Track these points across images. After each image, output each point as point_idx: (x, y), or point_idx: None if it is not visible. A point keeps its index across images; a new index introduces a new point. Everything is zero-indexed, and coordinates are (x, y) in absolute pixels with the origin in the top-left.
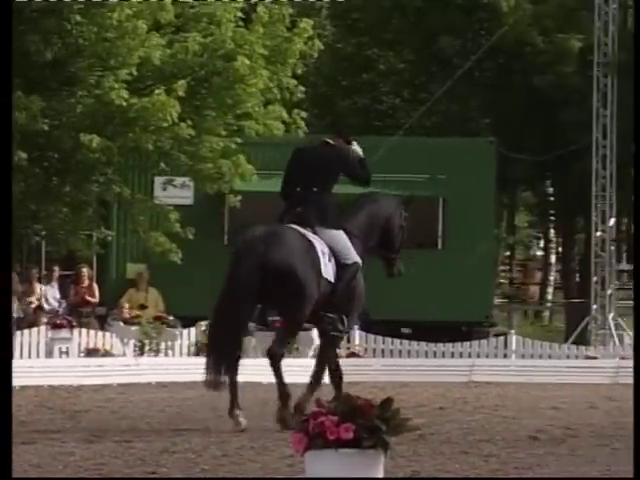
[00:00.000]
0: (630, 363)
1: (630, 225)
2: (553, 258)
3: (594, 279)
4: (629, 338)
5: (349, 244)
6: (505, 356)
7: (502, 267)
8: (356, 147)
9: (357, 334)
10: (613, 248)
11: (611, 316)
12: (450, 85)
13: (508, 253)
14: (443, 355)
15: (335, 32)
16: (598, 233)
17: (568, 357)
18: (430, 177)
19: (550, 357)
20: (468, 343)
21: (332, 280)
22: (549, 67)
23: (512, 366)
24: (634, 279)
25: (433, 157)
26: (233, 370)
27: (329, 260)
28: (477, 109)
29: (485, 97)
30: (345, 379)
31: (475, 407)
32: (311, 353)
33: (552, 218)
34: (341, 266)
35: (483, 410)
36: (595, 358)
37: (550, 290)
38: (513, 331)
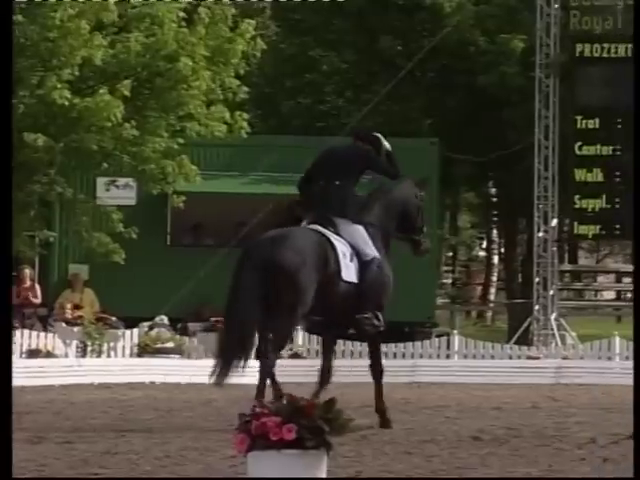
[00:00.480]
0: (571, 363)
1: (572, 225)
2: (496, 259)
3: (536, 280)
4: (571, 338)
5: (367, 239)
6: (448, 357)
7: (445, 268)
8: (385, 142)
9: (300, 335)
10: (555, 249)
11: (553, 316)
12: (393, 85)
13: (451, 254)
14: (386, 356)
15: (278, 32)
16: (540, 234)
17: (510, 357)
18: (372, 177)
19: (492, 357)
20: (411, 344)
21: (355, 280)
22: (492, 68)
23: (454, 367)
24: (634, 280)
25: None
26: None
27: (351, 260)
28: (420, 110)
29: (428, 98)
30: (288, 380)
31: (418, 407)
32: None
33: (495, 219)
34: (362, 264)
35: (426, 411)
36: (537, 358)
37: (493, 291)
38: (456, 331)
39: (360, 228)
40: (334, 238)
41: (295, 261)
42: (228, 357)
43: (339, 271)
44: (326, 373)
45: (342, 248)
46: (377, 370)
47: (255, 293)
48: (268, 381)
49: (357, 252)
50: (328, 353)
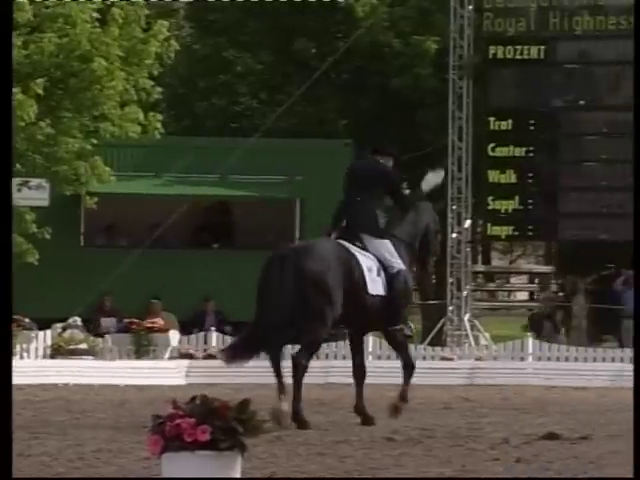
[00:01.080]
0: (485, 364)
1: (486, 226)
2: None
3: (450, 280)
4: (484, 339)
5: (393, 252)
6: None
7: None
8: (430, 177)
9: (214, 335)
10: (468, 250)
11: (467, 317)
12: (307, 87)
13: None
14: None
15: (192, 33)
16: (454, 235)
17: (424, 358)
18: (287, 179)
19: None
20: (325, 345)
21: (383, 293)
22: (405, 69)
23: (368, 367)
24: (634, 281)
25: (290, 159)
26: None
27: (378, 275)
28: (334, 111)
29: (342, 99)
30: (202, 381)
31: (332, 408)
32: (167, 355)
33: None
34: (389, 276)
35: (340, 411)
36: (451, 359)
37: None
38: (370, 333)
39: (386, 242)
40: (359, 253)
41: (320, 267)
42: (249, 346)
43: (365, 285)
44: (359, 370)
45: (368, 263)
46: (408, 372)
47: (283, 298)
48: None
49: (384, 265)
50: (358, 351)
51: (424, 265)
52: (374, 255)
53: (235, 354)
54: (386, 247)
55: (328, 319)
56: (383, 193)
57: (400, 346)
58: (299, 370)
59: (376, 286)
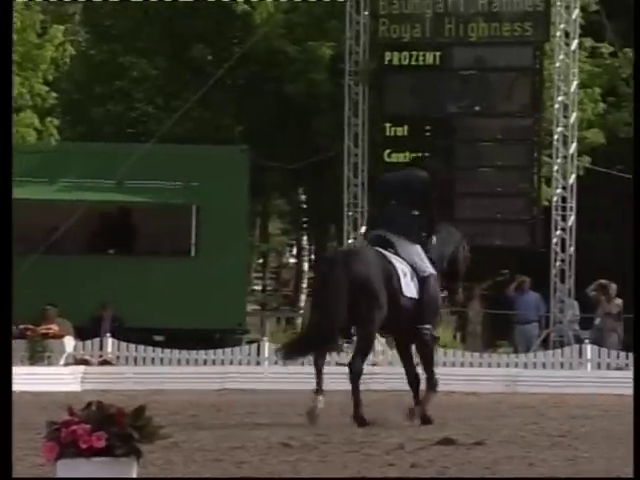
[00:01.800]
0: (381, 370)
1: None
2: (306, 265)
3: None
4: (380, 345)
5: (424, 257)
6: (258, 363)
7: (255, 274)
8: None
9: (110, 341)
10: None
11: None
12: (203, 93)
13: (261, 260)
14: (196, 362)
15: (88, 39)
16: (350, 241)
17: None
18: (183, 185)
19: (302, 364)
20: (221, 350)
21: (415, 296)
22: (301, 75)
23: (265, 373)
24: (634, 281)
25: (186, 165)
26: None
27: (411, 279)
28: (231, 117)
29: (239, 105)
30: (97, 387)
31: (228, 414)
32: (62, 361)
33: (305, 225)
34: (421, 280)
35: (236, 417)
36: (347, 365)
37: (303, 297)
38: (266, 338)
39: (418, 247)
40: (394, 259)
41: (368, 272)
42: (304, 347)
43: (400, 287)
44: (414, 379)
45: (402, 267)
46: (432, 380)
47: (336, 303)
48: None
49: (415, 269)
50: (407, 359)
51: (453, 291)
52: (405, 260)
53: (290, 353)
54: (417, 252)
55: (376, 323)
56: (417, 202)
57: (426, 356)
58: (356, 375)
59: (410, 289)
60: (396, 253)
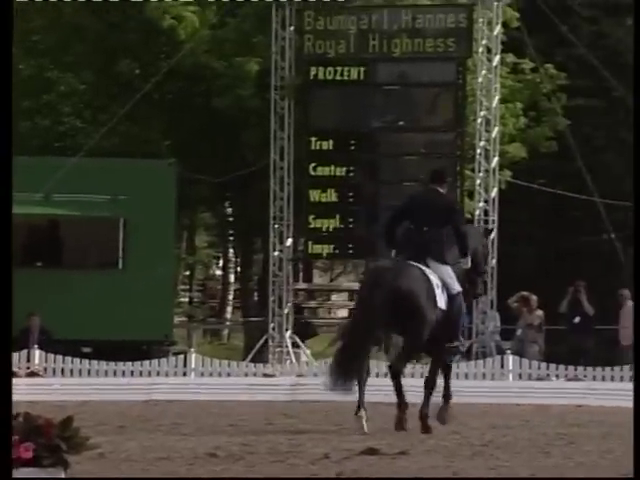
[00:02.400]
0: (306, 381)
1: (307, 245)
2: (232, 277)
3: (271, 298)
4: (305, 356)
5: (453, 275)
6: (185, 374)
7: (182, 286)
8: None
9: (37, 353)
10: (290, 268)
11: (288, 334)
12: (131, 107)
13: (188, 273)
14: (123, 374)
15: (15, 53)
16: (276, 253)
17: (246, 375)
18: (111, 198)
19: (229, 375)
20: (148, 362)
21: (445, 308)
22: (228, 90)
23: (192, 384)
24: (634, 282)
25: (114, 178)
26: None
27: (442, 292)
28: (158, 131)
29: (166, 119)
30: (25, 398)
31: (155, 425)
32: None
33: (231, 238)
34: (450, 296)
35: (162, 428)
36: (272, 376)
37: (229, 309)
38: (193, 349)
39: (448, 267)
40: (427, 271)
41: (416, 287)
42: (346, 370)
43: (435, 299)
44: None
45: (435, 280)
46: (446, 387)
47: (380, 316)
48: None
49: (445, 286)
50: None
51: (473, 285)
52: (438, 277)
53: (337, 380)
54: (448, 272)
55: (423, 337)
56: (446, 224)
57: (447, 371)
58: (400, 382)
59: (442, 301)
60: (427, 267)
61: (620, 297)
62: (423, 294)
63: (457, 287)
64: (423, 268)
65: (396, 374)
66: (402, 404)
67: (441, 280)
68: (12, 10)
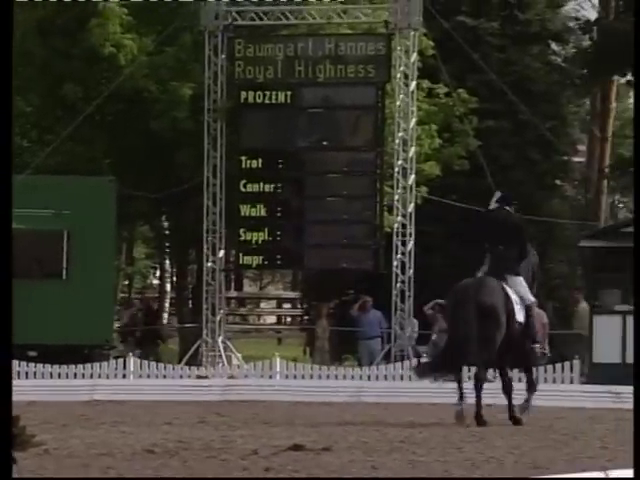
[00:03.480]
0: (237, 382)
1: (238, 256)
2: (168, 286)
3: (205, 306)
4: (236, 359)
5: (527, 288)
6: (124, 376)
7: (121, 295)
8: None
9: None
10: (222, 277)
11: (220, 339)
12: (74, 128)
13: (127, 282)
14: (67, 376)
15: None
16: (209, 264)
17: (181, 377)
18: (55, 212)
19: (165, 377)
20: (90, 365)
21: (522, 321)
22: (164, 113)
23: (131, 385)
24: (634, 282)
25: (58, 194)
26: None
27: (521, 307)
28: (100, 150)
29: (107, 139)
30: None
31: (96, 423)
32: None
33: (167, 250)
34: (526, 307)
35: (103, 426)
36: (206, 377)
37: (165, 316)
38: (131, 353)
39: (522, 279)
40: (507, 288)
41: (496, 301)
42: (446, 365)
43: (514, 313)
44: (509, 388)
45: (514, 296)
46: (532, 384)
47: (469, 328)
48: None
49: (521, 298)
50: (505, 372)
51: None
52: (515, 290)
53: (427, 370)
54: (522, 284)
55: (498, 341)
56: (517, 243)
57: (530, 369)
58: (481, 385)
59: (520, 315)
60: (507, 285)
61: None
62: (501, 308)
63: (531, 297)
64: (504, 285)
65: (479, 380)
66: (479, 404)
67: (518, 294)
68: (12, 10)
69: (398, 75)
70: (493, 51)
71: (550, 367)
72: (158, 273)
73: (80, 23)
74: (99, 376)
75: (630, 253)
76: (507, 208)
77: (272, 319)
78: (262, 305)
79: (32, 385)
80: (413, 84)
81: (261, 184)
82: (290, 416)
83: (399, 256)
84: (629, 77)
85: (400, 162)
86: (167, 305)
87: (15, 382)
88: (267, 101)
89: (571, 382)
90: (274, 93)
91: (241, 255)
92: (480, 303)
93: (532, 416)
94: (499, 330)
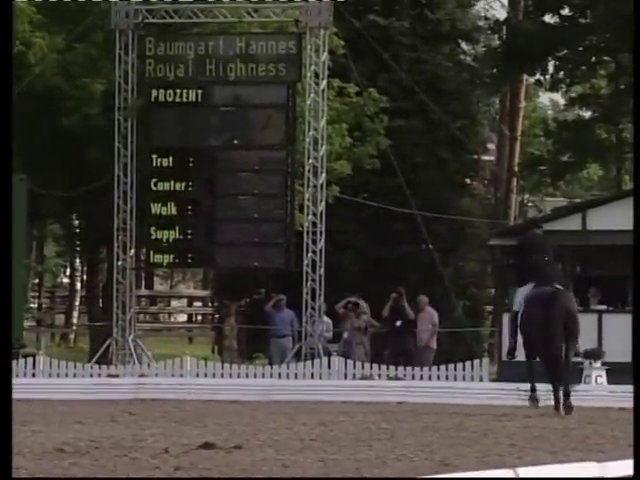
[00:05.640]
0: (148, 380)
1: (149, 254)
2: (78, 285)
3: (115, 304)
4: (147, 358)
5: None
6: (34, 375)
7: (32, 294)
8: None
9: None
10: (133, 276)
11: (131, 338)
12: None
13: (37, 281)
14: None
15: None
16: (120, 262)
17: (92, 375)
18: None
19: (75, 376)
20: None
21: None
22: (76, 109)
23: (40, 384)
24: (634, 282)
25: None
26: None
27: None
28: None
29: (19, 138)
30: None
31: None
32: None
33: (78, 248)
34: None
35: (14, 425)
36: (117, 376)
37: (75, 314)
38: (41, 352)
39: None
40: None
41: (574, 307)
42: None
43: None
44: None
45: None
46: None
47: (561, 328)
48: None
49: None
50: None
51: None
52: None
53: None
54: (567, 291)
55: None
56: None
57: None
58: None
59: None
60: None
61: (419, 303)
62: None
63: (575, 302)
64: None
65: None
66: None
67: None
68: (12, 10)
69: (309, 74)
70: (404, 50)
71: (460, 365)
72: (68, 271)
73: None
74: (25, 375)
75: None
76: (539, 230)
77: (183, 318)
78: (173, 304)
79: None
80: (324, 83)
81: (172, 182)
82: (201, 415)
83: (310, 254)
84: (538, 76)
85: (311, 161)
86: (77, 303)
87: None
88: (178, 99)
89: (480, 380)
90: (185, 91)
91: (152, 253)
92: (569, 307)
93: (443, 414)
94: (579, 331)
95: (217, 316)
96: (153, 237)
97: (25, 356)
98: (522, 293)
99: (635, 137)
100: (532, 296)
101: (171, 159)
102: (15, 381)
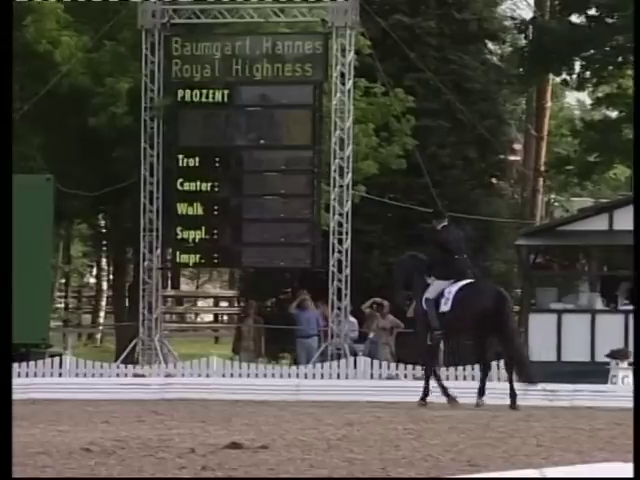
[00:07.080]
0: (174, 380)
1: (175, 255)
2: (105, 285)
3: (142, 304)
4: (173, 357)
5: None
6: (60, 375)
7: (58, 293)
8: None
9: None
10: (159, 276)
11: (157, 338)
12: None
13: (64, 280)
14: None
15: None
16: (146, 262)
17: (118, 375)
18: None
19: (102, 375)
20: (26, 363)
21: None
22: (102, 110)
23: (67, 384)
24: (634, 282)
25: None
26: None
27: None
28: (37, 148)
29: (45, 137)
30: None
31: (32, 422)
32: None
33: (104, 248)
34: None
35: (40, 425)
36: (143, 376)
37: (102, 314)
38: (68, 352)
39: None
40: None
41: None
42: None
43: None
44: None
45: None
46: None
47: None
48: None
49: None
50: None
51: None
52: None
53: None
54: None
55: None
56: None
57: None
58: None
59: None
60: None
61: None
62: None
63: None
64: None
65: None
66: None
67: None
68: (12, 10)
69: (335, 74)
70: (430, 50)
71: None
72: (95, 271)
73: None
74: (35, 375)
75: (564, 251)
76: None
77: (209, 317)
78: (199, 303)
79: None
80: (350, 83)
81: (198, 182)
82: (227, 414)
83: (336, 254)
84: (564, 76)
85: (337, 161)
86: (104, 303)
87: None
88: (204, 99)
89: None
90: (211, 92)
91: (178, 253)
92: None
93: (469, 414)
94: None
95: (243, 316)
96: (179, 237)
97: (52, 356)
98: (440, 285)
99: (635, 137)
100: (467, 292)
101: (197, 159)
102: (42, 381)
